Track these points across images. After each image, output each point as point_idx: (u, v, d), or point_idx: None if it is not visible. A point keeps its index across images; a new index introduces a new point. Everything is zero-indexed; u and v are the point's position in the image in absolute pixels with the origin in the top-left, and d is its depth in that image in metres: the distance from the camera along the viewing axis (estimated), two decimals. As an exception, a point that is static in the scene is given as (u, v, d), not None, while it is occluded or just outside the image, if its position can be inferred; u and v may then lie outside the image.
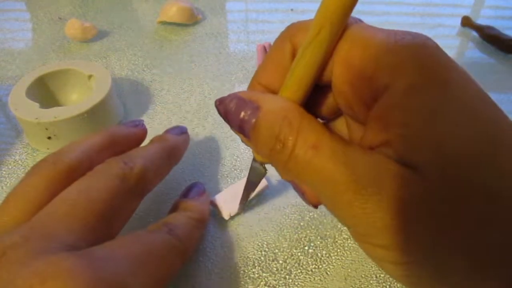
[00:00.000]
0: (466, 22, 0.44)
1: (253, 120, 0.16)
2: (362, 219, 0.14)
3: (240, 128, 0.16)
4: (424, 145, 0.13)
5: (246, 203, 0.25)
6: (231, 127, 0.17)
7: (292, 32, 0.17)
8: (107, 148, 0.22)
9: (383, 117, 0.14)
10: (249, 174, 0.22)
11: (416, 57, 0.14)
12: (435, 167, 0.13)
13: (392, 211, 0.13)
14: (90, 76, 0.32)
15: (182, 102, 0.34)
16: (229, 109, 0.16)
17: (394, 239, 0.14)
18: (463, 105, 0.13)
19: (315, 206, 0.20)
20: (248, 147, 0.30)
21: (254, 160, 0.20)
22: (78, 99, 0.34)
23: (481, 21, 0.44)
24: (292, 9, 0.48)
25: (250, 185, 0.22)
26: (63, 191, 0.18)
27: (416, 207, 0.13)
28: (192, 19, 0.44)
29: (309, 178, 0.15)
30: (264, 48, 0.36)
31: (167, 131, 0.26)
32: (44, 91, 0.32)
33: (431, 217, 0.13)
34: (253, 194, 0.24)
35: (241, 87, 0.36)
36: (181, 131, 0.26)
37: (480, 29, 0.42)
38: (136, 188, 0.20)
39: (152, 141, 0.24)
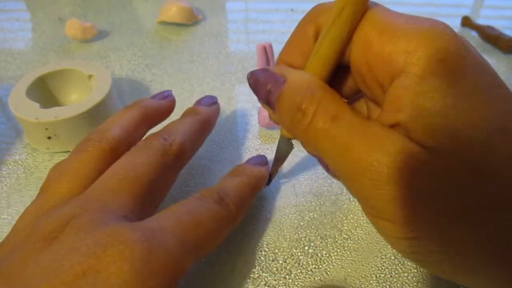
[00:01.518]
0: (466, 22, 0.44)
1: (279, 91, 0.16)
2: (372, 191, 0.14)
3: (266, 98, 0.17)
4: (436, 127, 0.14)
5: (274, 177, 0.25)
6: (259, 99, 0.18)
7: (316, 13, 0.18)
8: (143, 123, 0.24)
9: (397, 98, 0.15)
10: (276, 150, 0.23)
11: (432, 44, 0.14)
12: (447, 148, 0.13)
13: (402, 186, 0.14)
14: (90, 76, 0.32)
15: (182, 102, 0.34)
16: (258, 81, 0.17)
17: (402, 213, 0.14)
18: (476, 91, 0.14)
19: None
20: (249, 148, 0.30)
21: (281, 137, 0.22)
22: (78, 99, 0.34)
23: (481, 21, 0.44)
24: (292, 9, 0.48)
25: (278, 160, 0.24)
26: (112, 166, 0.20)
27: (425, 184, 0.14)
28: (192, 19, 0.44)
29: (326, 147, 0.15)
30: (264, 48, 0.36)
31: (198, 103, 0.27)
32: (44, 91, 0.32)
33: (438, 195, 0.14)
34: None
35: (241, 87, 0.36)
36: (212, 100, 0.27)
37: (480, 29, 0.42)
38: (175, 163, 0.22)
39: (185, 114, 0.26)
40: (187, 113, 0.26)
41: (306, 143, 0.17)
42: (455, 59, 0.14)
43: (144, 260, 0.15)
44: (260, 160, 0.25)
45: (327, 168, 0.20)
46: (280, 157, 0.23)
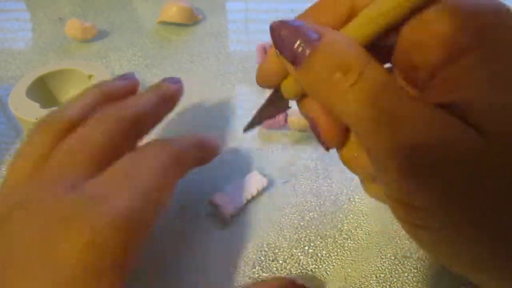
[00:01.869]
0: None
1: (316, 43, 0.15)
2: (412, 174, 0.13)
3: (293, 54, 0.15)
4: (495, 112, 0.13)
5: (253, 129, 0.22)
6: (283, 54, 0.16)
7: None
8: (102, 103, 0.23)
9: (457, 79, 0.14)
10: (267, 103, 0.20)
11: (498, 24, 0.14)
12: (502, 133, 0.13)
13: (449, 172, 0.13)
14: (90, 76, 0.32)
15: (182, 102, 0.34)
16: (286, 33, 0.16)
17: (437, 201, 0.13)
18: None
19: (327, 149, 0.19)
20: (249, 148, 0.30)
21: (277, 93, 0.19)
22: (78, 99, 0.34)
23: (481, 21, 0.44)
24: (292, 10, 0.48)
25: (266, 113, 0.21)
26: (62, 142, 0.20)
27: (475, 171, 0.13)
28: (192, 19, 0.44)
29: (364, 118, 0.14)
30: (264, 48, 0.36)
31: (162, 80, 0.27)
32: (44, 91, 0.32)
33: (478, 182, 0.13)
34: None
35: (241, 87, 0.36)
36: (176, 80, 0.27)
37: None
38: (129, 128, 0.21)
39: (147, 89, 0.25)
40: (148, 88, 0.25)
41: (337, 107, 0.15)
42: None
43: (96, 227, 0.16)
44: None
45: (318, 134, 0.18)
46: (269, 113, 0.20)
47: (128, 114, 0.21)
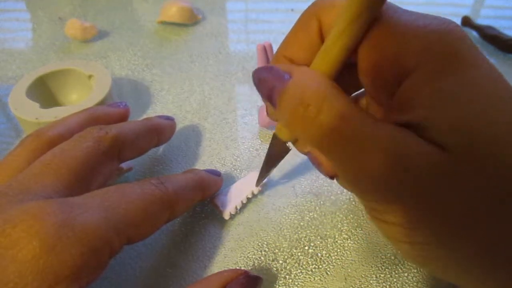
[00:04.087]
0: (466, 22, 0.44)
1: (283, 87, 0.16)
2: (382, 194, 0.14)
3: (269, 95, 0.16)
4: (450, 127, 0.13)
5: (264, 179, 0.25)
6: (262, 96, 0.17)
7: (318, 8, 0.17)
8: (89, 124, 0.23)
9: (409, 98, 0.14)
10: (267, 153, 0.22)
11: (442, 42, 0.14)
12: (462, 148, 0.13)
13: (415, 190, 0.13)
14: (90, 76, 0.32)
15: (182, 102, 0.34)
16: (262, 77, 0.17)
17: (414, 218, 0.14)
18: (488, 88, 0.14)
19: (332, 177, 0.19)
20: (249, 148, 0.30)
21: (275, 139, 0.21)
22: (78, 99, 0.34)
23: (481, 21, 0.44)
24: (292, 9, 0.48)
25: (269, 163, 0.23)
26: (41, 156, 0.20)
27: (439, 188, 0.13)
28: (192, 19, 0.44)
29: (331, 147, 0.15)
30: (264, 48, 0.36)
31: (155, 116, 0.27)
32: (44, 91, 0.32)
33: (451, 198, 0.13)
34: (272, 171, 0.24)
35: (241, 87, 0.36)
36: (169, 118, 0.27)
37: (480, 29, 0.42)
38: (111, 150, 0.21)
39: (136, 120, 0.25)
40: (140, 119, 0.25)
41: (306, 140, 0.16)
42: (466, 58, 0.14)
43: (58, 234, 0.15)
44: (214, 171, 0.26)
45: (319, 166, 0.19)
46: (273, 160, 0.23)
47: (109, 135, 0.21)
